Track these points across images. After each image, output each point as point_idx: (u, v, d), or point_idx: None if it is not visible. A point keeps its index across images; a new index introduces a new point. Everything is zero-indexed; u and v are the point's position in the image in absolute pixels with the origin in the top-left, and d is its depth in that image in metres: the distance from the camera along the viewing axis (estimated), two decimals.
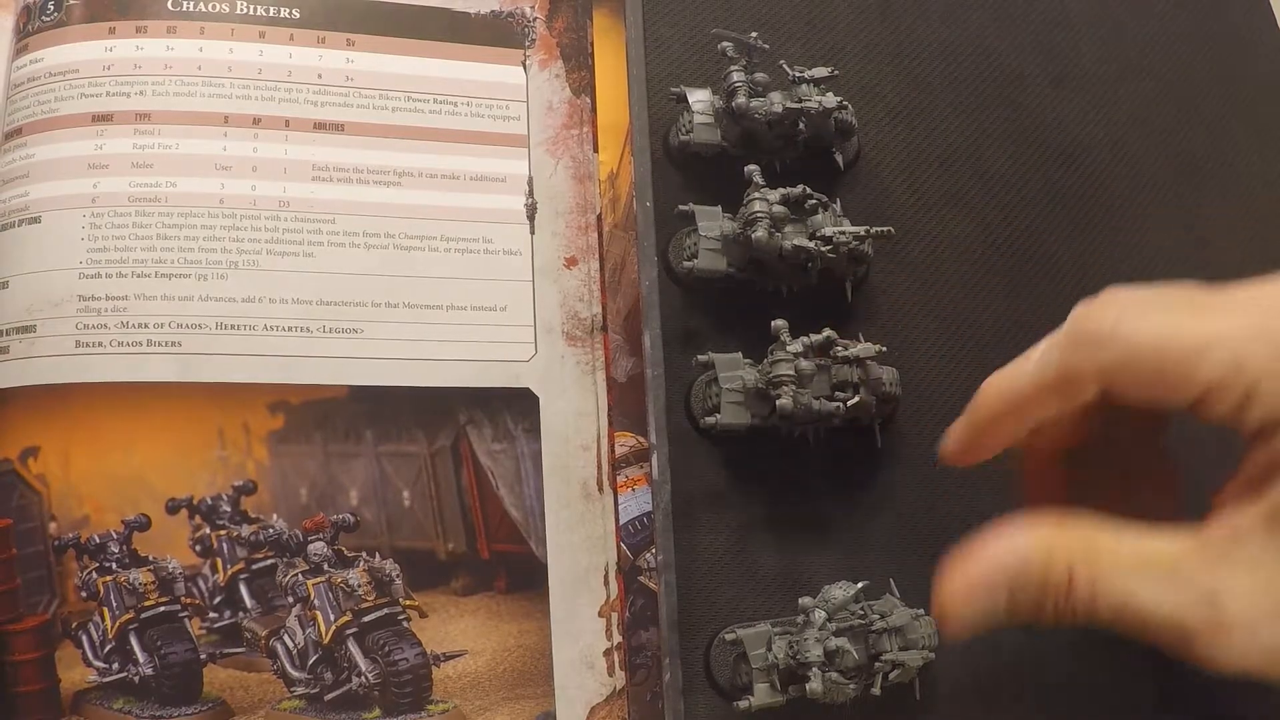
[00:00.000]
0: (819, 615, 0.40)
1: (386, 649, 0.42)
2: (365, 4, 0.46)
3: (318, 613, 0.41)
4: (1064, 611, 0.31)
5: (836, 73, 0.47)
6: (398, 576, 0.43)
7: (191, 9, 0.44)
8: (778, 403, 0.41)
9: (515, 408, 0.45)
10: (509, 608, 0.43)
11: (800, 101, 0.46)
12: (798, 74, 0.46)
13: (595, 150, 0.47)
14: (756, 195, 0.44)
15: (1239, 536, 0.29)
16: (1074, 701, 0.45)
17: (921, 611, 0.41)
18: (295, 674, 0.41)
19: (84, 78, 0.43)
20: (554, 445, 0.45)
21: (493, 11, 0.47)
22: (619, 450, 0.44)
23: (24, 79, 0.44)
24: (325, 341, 0.43)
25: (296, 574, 0.42)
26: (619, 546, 0.44)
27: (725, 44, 0.46)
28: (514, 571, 0.44)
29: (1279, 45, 0.57)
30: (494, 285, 0.45)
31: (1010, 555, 0.32)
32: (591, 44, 0.48)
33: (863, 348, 0.43)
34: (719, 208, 0.45)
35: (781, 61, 0.47)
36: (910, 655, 0.40)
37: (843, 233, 0.43)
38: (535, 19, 0.48)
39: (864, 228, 0.44)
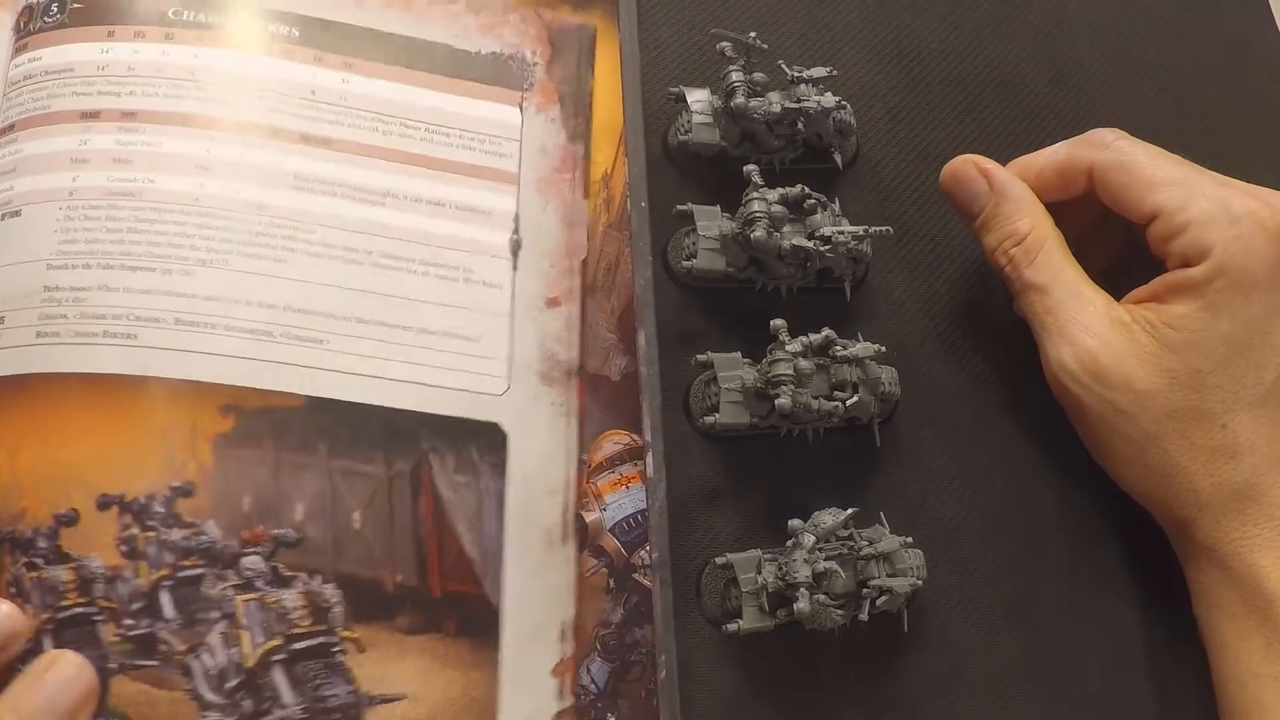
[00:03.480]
0: (808, 539, 0.40)
1: (316, 682, 0.38)
2: (365, 30, 0.46)
3: (244, 632, 0.38)
4: (1004, 256, 0.43)
5: (835, 72, 0.47)
6: (338, 604, 0.39)
7: (191, 19, 0.44)
8: (777, 402, 0.41)
9: (482, 441, 0.42)
10: (457, 653, 0.40)
11: (799, 101, 0.46)
12: (796, 74, 0.46)
13: (585, 197, 0.47)
14: (755, 195, 0.44)
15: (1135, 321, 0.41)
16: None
17: (910, 540, 0.41)
18: (210, 697, 0.37)
19: (78, 77, 0.43)
20: (520, 486, 0.42)
21: (494, 52, 0.48)
22: (613, 448, 0.43)
23: (21, 77, 0.44)
24: (287, 348, 0.41)
25: (226, 587, 0.38)
26: (614, 545, 0.42)
27: (724, 44, 0.46)
28: (465, 615, 0.40)
29: (1277, 44, 0.58)
30: (470, 315, 0.44)
31: (1011, 181, 0.44)
32: (590, 94, 0.48)
33: (861, 347, 0.43)
34: (717, 207, 0.45)
35: (780, 61, 0.47)
36: (898, 582, 0.40)
37: (841, 232, 0.44)
38: (536, 64, 0.48)
39: (863, 228, 0.44)
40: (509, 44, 0.48)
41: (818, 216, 0.44)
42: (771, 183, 0.44)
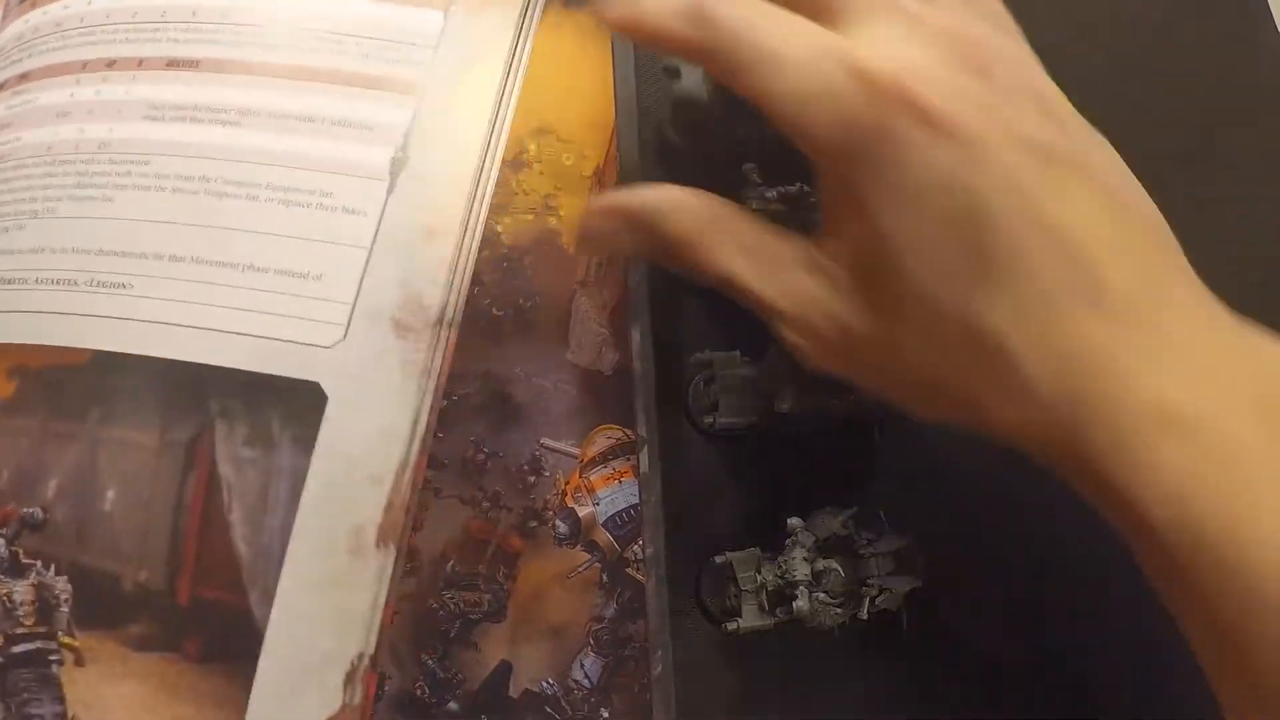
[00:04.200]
0: (807, 537, 0.40)
1: (24, 696, 0.31)
2: None
3: None
4: (671, 255, 0.36)
5: None
6: (66, 602, 0.31)
7: None
8: (776, 402, 0.41)
9: (290, 406, 0.33)
10: (194, 682, 0.31)
11: None
12: None
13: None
14: (753, 194, 0.42)
15: (823, 253, 0.34)
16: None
17: (910, 538, 0.42)
18: None
19: None
20: (330, 467, 0.32)
21: None
22: (605, 443, 0.42)
23: None
24: (87, 297, 0.35)
25: None
26: (607, 540, 0.41)
27: None
28: (216, 633, 0.31)
29: (1277, 44, 0.59)
30: (313, 247, 0.35)
31: (645, 198, 0.36)
32: None
33: None
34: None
35: None
36: (898, 581, 0.40)
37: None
38: None
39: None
40: None
41: (818, 215, 0.41)
42: (770, 181, 0.42)
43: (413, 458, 0.33)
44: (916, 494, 0.46)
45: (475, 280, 0.42)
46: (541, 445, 0.42)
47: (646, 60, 0.47)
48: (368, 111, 0.38)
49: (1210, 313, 0.33)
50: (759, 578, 0.41)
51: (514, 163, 0.43)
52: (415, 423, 0.34)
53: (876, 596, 0.40)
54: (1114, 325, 0.31)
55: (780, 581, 0.40)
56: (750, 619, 0.40)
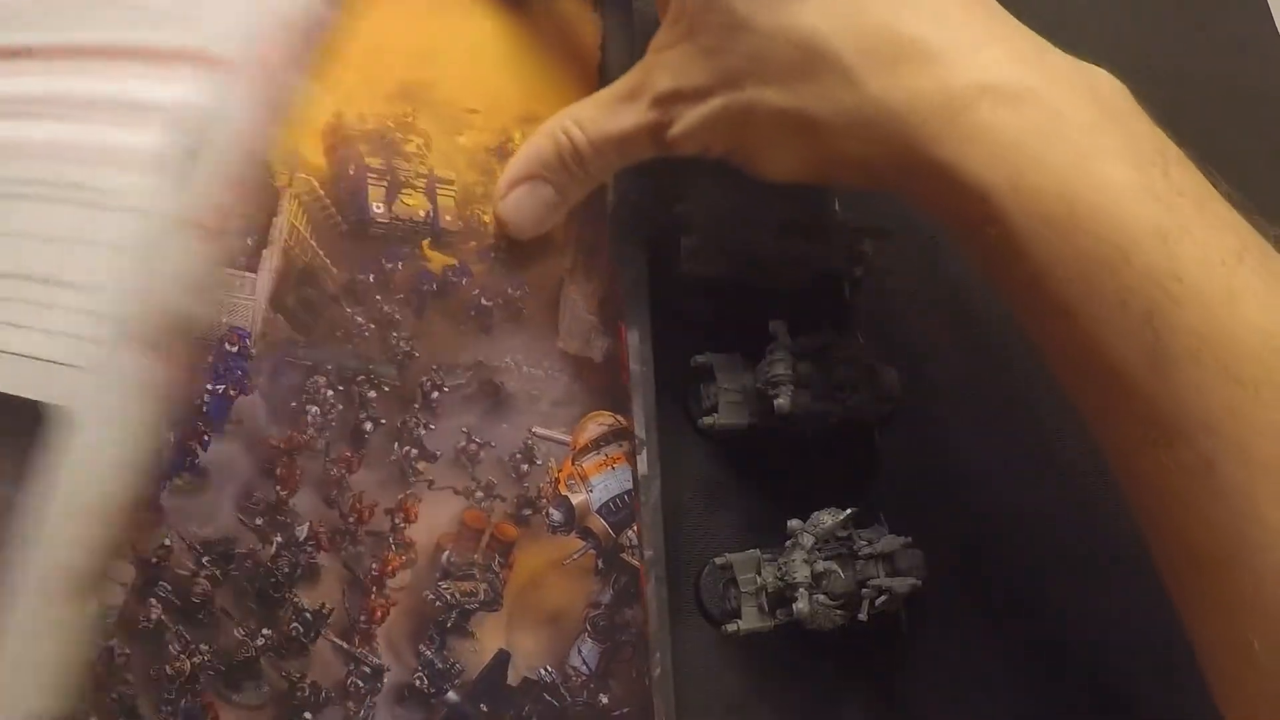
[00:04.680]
0: (807, 539, 0.40)
1: None
2: None
3: None
4: (581, 168, 0.40)
5: None
6: None
7: None
8: (775, 403, 0.41)
9: (12, 428, 0.30)
10: None
11: None
12: None
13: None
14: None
15: (660, 49, 0.38)
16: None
17: (910, 540, 0.42)
18: None
19: None
20: (43, 499, 0.30)
21: None
22: (597, 430, 0.42)
23: None
24: None
25: None
26: (601, 526, 0.41)
27: None
28: None
29: (1277, 44, 0.59)
30: (59, 249, 0.32)
31: (531, 149, 0.41)
32: None
33: (861, 347, 0.44)
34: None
35: None
36: (897, 582, 0.40)
37: (841, 232, 0.45)
38: None
39: (862, 227, 0.45)
40: None
41: None
42: None
43: (143, 494, 0.31)
44: (916, 494, 0.46)
45: (463, 271, 0.42)
46: (533, 433, 0.42)
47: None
48: (147, 92, 0.33)
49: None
50: (759, 579, 0.41)
51: (499, 151, 0.43)
52: (152, 454, 0.31)
53: (877, 599, 0.40)
54: (932, 23, 0.33)
55: (780, 583, 0.40)
56: (750, 621, 0.41)
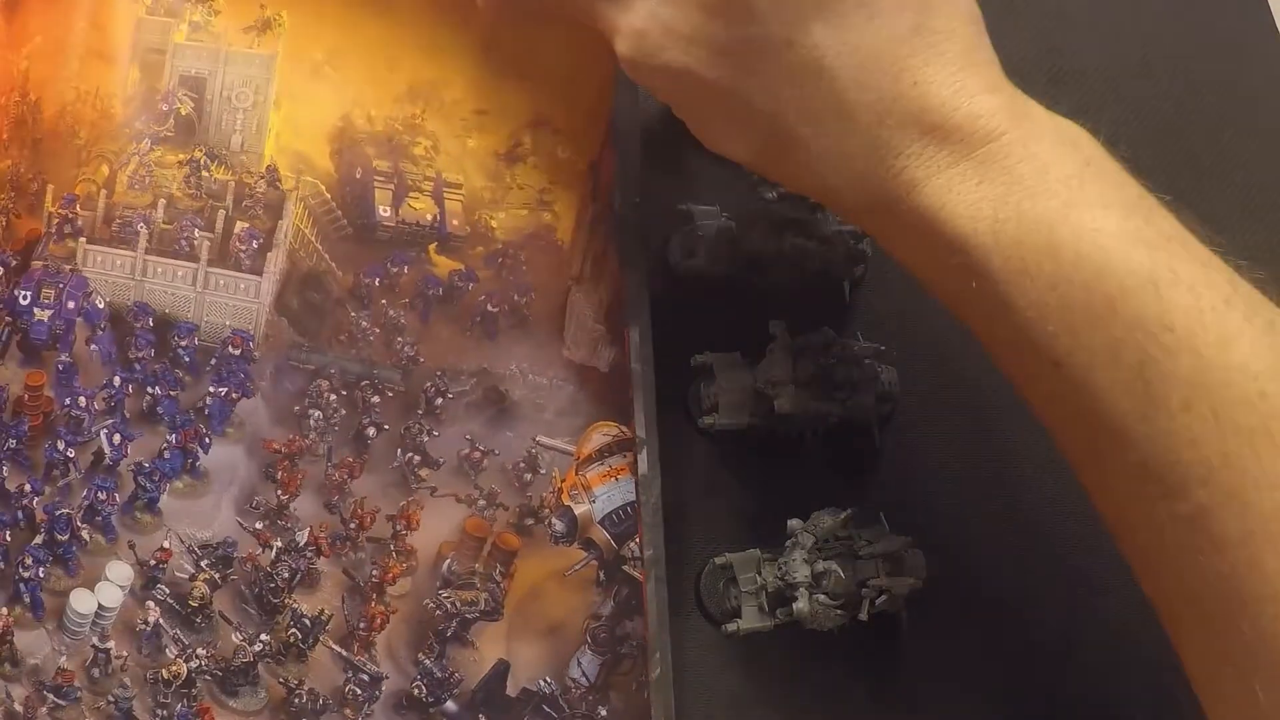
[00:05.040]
0: (807, 539, 0.41)
1: None
2: None
3: None
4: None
5: None
6: None
7: None
8: (775, 403, 0.41)
9: None
10: None
11: None
12: None
13: None
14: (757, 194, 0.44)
15: None
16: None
17: (910, 539, 0.42)
18: None
19: None
20: None
21: None
22: (602, 440, 0.42)
23: None
24: None
25: None
26: (604, 537, 0.41)
27: None
28: None
29: (1277, 44, 0.59)
30: None
31: None
32: None
33: (861, 347, 0.43)
34: (717, 207, 0.45)
35: None
36: (897, 582, 0.41)
37: (840, 232, 0.44)
38: None
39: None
40: None
41: (818, 216, 0.44)
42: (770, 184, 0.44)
43: None
44: (916, 494, 0.46)
45: (469, 276, 0.42)
46: (537, 442, 0.41)
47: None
48: None
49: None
50: (759, 579, 0.41)
51: (508, 156, 0.43)
52: None
53: (877, 598, 0.40)
54: (932, 66, 0.33)
55: (780, 583, 0.40)
56: (750, 620, 0.41)
